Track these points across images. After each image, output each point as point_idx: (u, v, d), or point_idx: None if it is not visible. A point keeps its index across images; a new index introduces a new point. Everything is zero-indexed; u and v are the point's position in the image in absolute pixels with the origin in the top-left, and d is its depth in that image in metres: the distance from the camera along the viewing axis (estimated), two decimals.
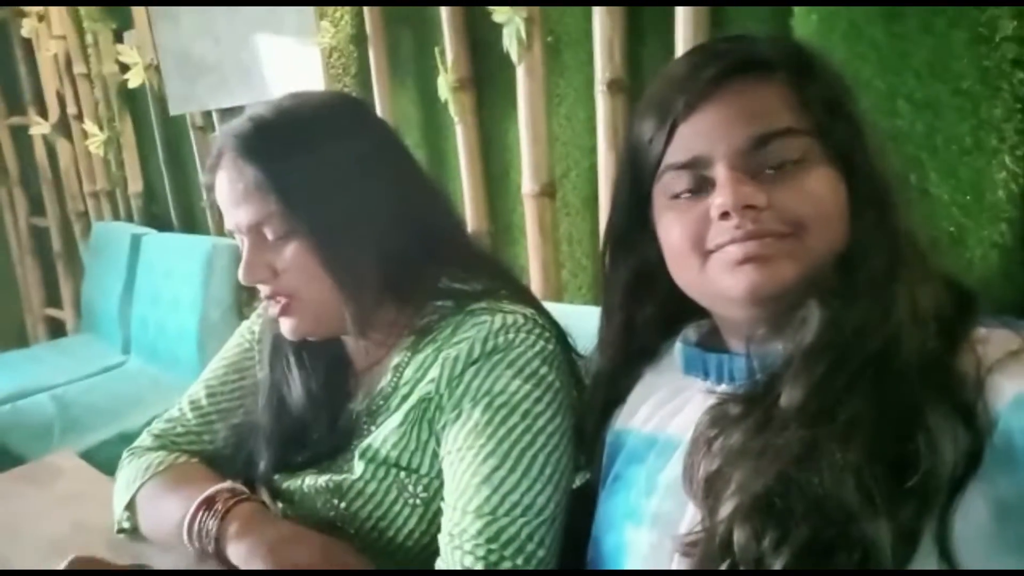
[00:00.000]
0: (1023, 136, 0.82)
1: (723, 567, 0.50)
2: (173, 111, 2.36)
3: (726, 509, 0.51)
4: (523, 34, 1.34)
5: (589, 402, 0.73)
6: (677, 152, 0.58)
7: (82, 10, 2.58)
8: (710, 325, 0.67)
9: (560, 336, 0.76)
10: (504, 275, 0.82)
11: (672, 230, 0.59)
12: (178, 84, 2.29)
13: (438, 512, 0.71)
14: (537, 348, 0.71)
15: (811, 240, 0.55)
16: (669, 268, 0.62)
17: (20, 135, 3.16)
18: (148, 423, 0.92)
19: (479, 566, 0.65)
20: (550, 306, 0.82)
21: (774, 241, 0.54)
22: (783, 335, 0.55)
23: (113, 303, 2.53)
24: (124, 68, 2.45)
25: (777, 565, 0.48)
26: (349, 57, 1.79)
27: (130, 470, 0.86)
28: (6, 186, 3.30)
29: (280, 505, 0.83)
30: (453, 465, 0.70)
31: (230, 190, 0.74)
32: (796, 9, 0.96)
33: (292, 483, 0.80)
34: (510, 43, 1.37)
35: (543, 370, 0.71)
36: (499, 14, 1.37)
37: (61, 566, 0.60)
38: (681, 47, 1.14)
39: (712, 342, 0.66)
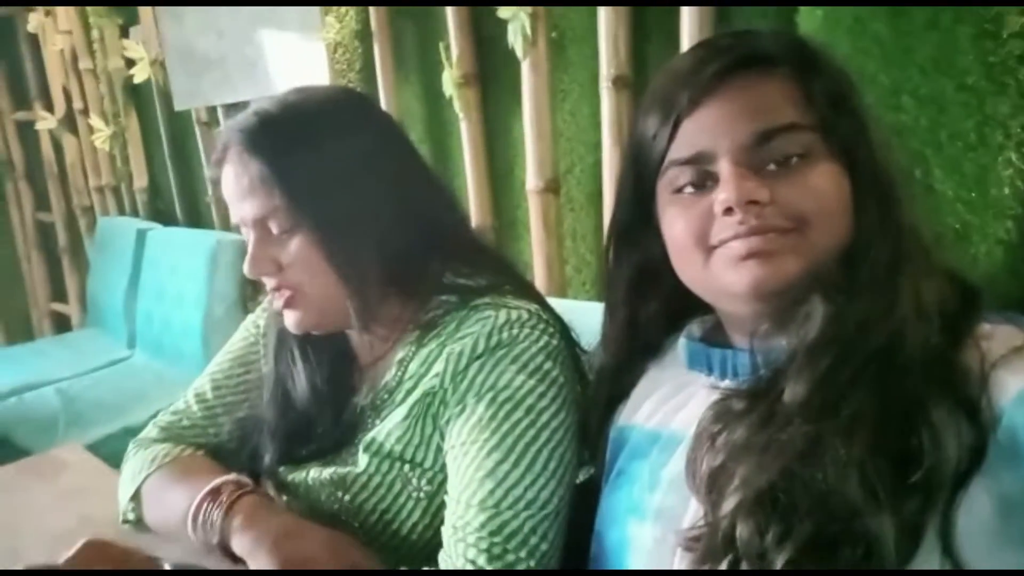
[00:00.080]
0: None
1: (726, 562, 0.51)
2: (178, 106, 2.36)
3: (729, 504, 0.51)
4: (528, 30, 1.34)
5: (593, 398, 0.73)
6: (681, 148, 0.58)
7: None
8: (714, 320, 0.67)
9: (564, 332, 0.76)
10: (508, 270, 0.82)
11: (676, 226, 0.59)
12: (183, 79, 2.30)
13: (442, 505, 0.72)
14: (541, 343, 0.72)
15: (814, 235, 0.55)
16: (673, 264, 0.62)
17: (26, 130, 3.18)
18: (153, 417, 0.92)
19: (482, 559, 0.65)
20: (554, 302, 0.82)
21: (777, 236, 0.54)
22: (787, 330, 0.55)
23: (118, 298, 2.54)
24: (130, 63, 2.46)
25: (780, 560, 0.48)
26: (354, 53, 1.79)
27: (135, 462, 0.86)
28: (12, 181, 3.31)
29: (284, 498, 0.83)
30: (457, 459, 0.70)
31: (235, 184, 0.74)
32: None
33: (296, 476, 0.81)
34: (515, 39, 1.37)
35: (547, 365, 0.71)
36: (504, 10, 1.37)
37: (72, 551, 0.60)
38: (686, 43, 1.14)
39: (716, 337, 0.66)
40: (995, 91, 0.83)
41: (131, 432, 0.93)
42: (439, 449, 0.74)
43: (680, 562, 0.56)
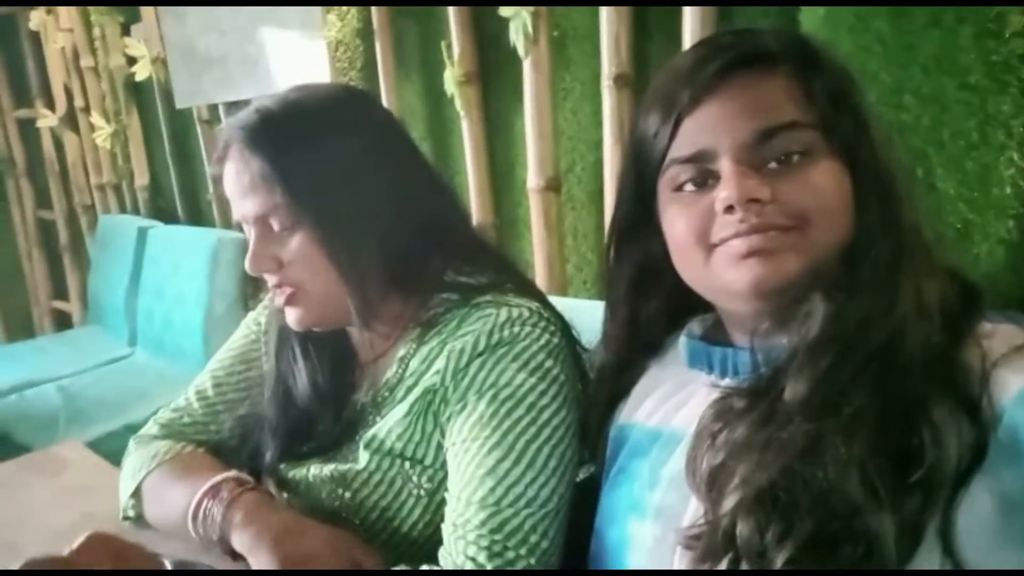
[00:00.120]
0: None
1: (725, 561, 0.51)
2: (179, 104, 2.36)
3: (729, 502, 0.51)
4: (529, 28, 1.34)
5: (593, 396, 0.73)
6: (682, 146, 0.58)
7: None
8: (714, 319, 0.67)
9: (565, 330, 0.76)
10: (509, 268, 0.82)
11: (676, 224, 0.59)
12: (185, 77, 2.30)
13: (442, 503, 0.72)
14: (542, 341, 0.72)
15: (815, 233, 0.54)
16: (674, 262, 0.62)
17: (27, 128, 3.18)
18: (153, 414, 0.92)
19: (482, 556, 0.65)
20: (555, 300, 0.82)
21: (778, 235, 0.54)
22: (787, 329, 0.55)
23: (119, 296, 2.54)
24: (131, 61, 2.46)
25: (780, 558, 0.48)
26: (355, 51, 1.79)
27: (136, 458, 0.86)
28: (13, 179, 3.31)
29: (285, 495, 0.83)
30: (458, 456, 0.70)
31: (237, 181, 0.74)
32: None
33: (297, 473, 0.81)
34: (516, 37, 1.37)
35: (548, 363, 0.71)
36: (505, 8, 1.37)
37: (76, 543, 0.60)
38: (688, 42, 1.14)
39: (716, 336, 0.66)
40: (997, 90, 0.83)
41: (132, 429, 0.93)
42: (440, 446, 0.74)
43: (680, 560, 0.56)
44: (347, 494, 0.77)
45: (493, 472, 0.67)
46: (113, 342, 2.55)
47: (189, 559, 0.74)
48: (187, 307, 2.22)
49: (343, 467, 0.77)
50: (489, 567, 0.64)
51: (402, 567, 0.66)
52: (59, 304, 3.33)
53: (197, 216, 2.56)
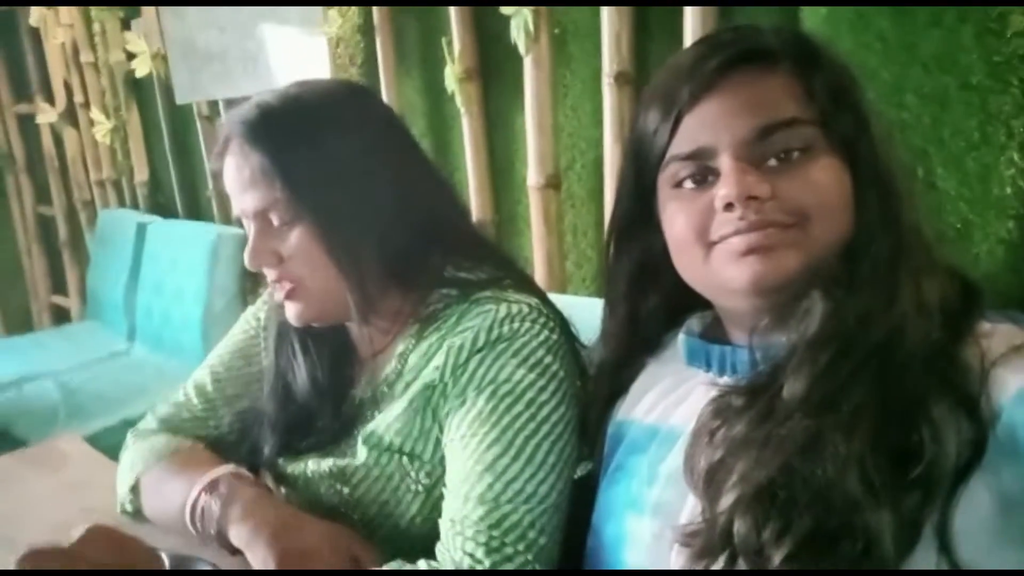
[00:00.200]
0: None
1: (723, 558, 0.51)
2: (179, 100, 2.36)
3: (727, 500, 0.51)
4: (530, 26, 1.34)
5: (592, 393, 0.73)
6: (682, 143, 0.58)
7: None
8: (713, 316, 0.67)
9: (564, 326, 0.76)
10: (509, 265, 0.82)
11: (676, 221, 0.59)
12: (185, 73, 2.29)
13: (440, 498, 0.71)
14: (542, 338, 0.72)
15: (815, 230, 0.55)
16: (673, 259, 0.62)
17: (27, 123, 3.17)
18: (152, 409, 0.92)
19: (480, 552, 0.65)
20: (554, 297, 0.82)
21: (777, 232, 0.54)
22: (786, 326, 0.55)
23: (118, 291, 2.54)
24: (131, 57, 2.45)
25: (778, 556, 0.48)
26: (356, 47, 1.79)
27: (134, 452, 0.86)
28: (12, 174, 3.31)
29: (284, 490, 0.83)
30: (456, 452, 0.70)
31: (236, 176, 0.74)
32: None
33: (296, 468, 0.81)
34: (517, 34, 1.36)
35: (547, 359, 0.71)
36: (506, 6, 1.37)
37: (77, 534, 0.60)
38: (689, 40, 1.14)
39: (715, 333, 0.66)
40: (998, 89, 0.83)
41: (130, 424, 0.93)
42: (438, 442, 0.74)
43: (677, 558, 0.56)
44: (345, 489, 0.77)
45: (492, 468, 0.67)
46: (112, 337, 2.55)
47: (187, 553, 0.74)
48: (186, 303, 2.22)
49: (341, 462, 0.77)
50: (487, 563, 0.64)
51: (399, 562, 0.66)
52: (58, 299, 3.33)
53: (196, 212, 2.56)
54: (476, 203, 1.58)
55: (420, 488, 0.74)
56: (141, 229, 2.49)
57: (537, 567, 0.66)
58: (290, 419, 0.82)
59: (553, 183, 1.43)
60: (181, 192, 2.56)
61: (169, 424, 0.89)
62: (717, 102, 0.56)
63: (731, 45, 0.57)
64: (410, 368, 0.76)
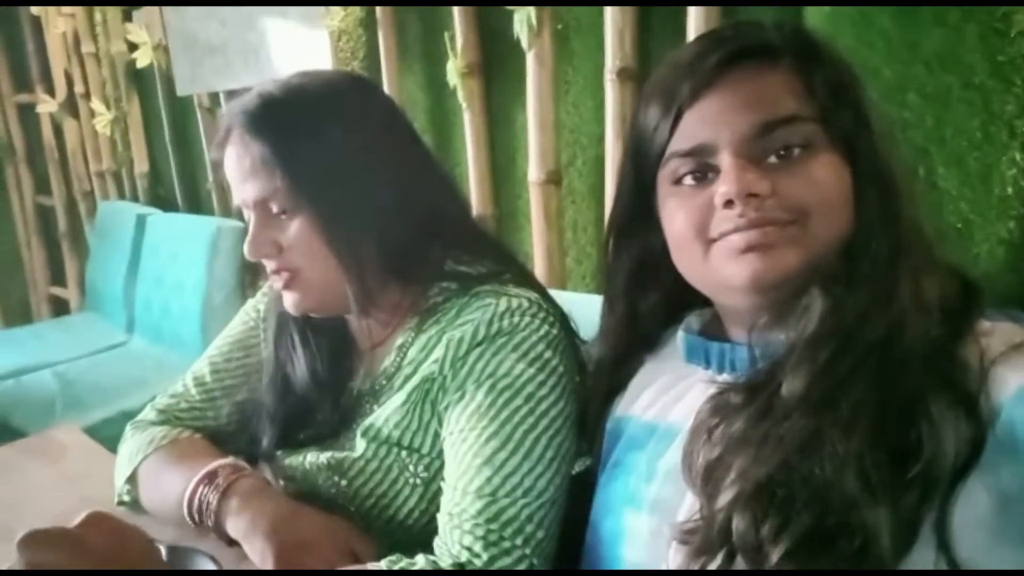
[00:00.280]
0: None
1: (721, 555, 0.51)
2: (180, 92, 2.36)
3: (725, 497, 0.51)
4: (533, 21, 1.34)
5: (591, 389, 0.73)
6: (682, 139, 0.57)
7: None
8: (712, 313, 0.67)
9: (563, 321, 0.76)
10: (509, 259, 0.82)
11: (676, 218, 0.59)
12: (186, 65, 2.29)
13: (438, 492, 0.72)
14: (541, 332, 0.72)
15: (815, 227, 0.54)
16: (672, 256, 0.62)
17: (27, 113, 3.16)
18: (151, 400, 0.92)
19: (478, 546, 0.65)
20: (554, 294, 0.82)
21: (777, 229, 0.54)
22: (786, 324, 0.55)
23: (117, 283, 2.54)
24: (132, 47, 2.45)
25: (776, 553, 0.48)
26: (358, 41, 1.78)
27: (133, 443, 0.86)
28: (12, 165, 3.30)
29: (282, 482, 0.83)
30: (455, 446, 0.70)
31: (237, 165, 0.74)
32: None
33: (294, 460, 0.81)
34: (520, 29, 1.36)
35: (547, 354, 0.71)
36: None
37: (78, 519, 0.60)
38: (692, 36, 1.13)
39: (714, 331, 0.66)
40: (1002, 89, 0.82)
41: (128, 416, 0.93)
42: (437, 435, 0.74)
43: (675, 554, 0.56)
44: (343, 482, 0.77)
45: (490, 462, 0.67)
46: (111, 329, 2.55)
47: (184, 545, 0.74)
48: (185, 295, 2.22)
49: (340, 455, 0.77)
50: (485, 557, 0.64)
51: (398, 556, 0.66)
52: (57, 291, 3.33)
53: (196, 204, 2.55)
54: (477, 198, 1.58)
55: (418, 481, 0.74)
56: (141, 221, 2.49)
57: (535, 562, 0.66)
58: (289, 411, 0.82)
59: (554, 179, 1.43)
60: (181, 184, 2.56)
61: (167, 415, 0.89)
62: (717, 98, 0.56)
63: (732, 41, 0.57)
64: (409, 361, 0.76)
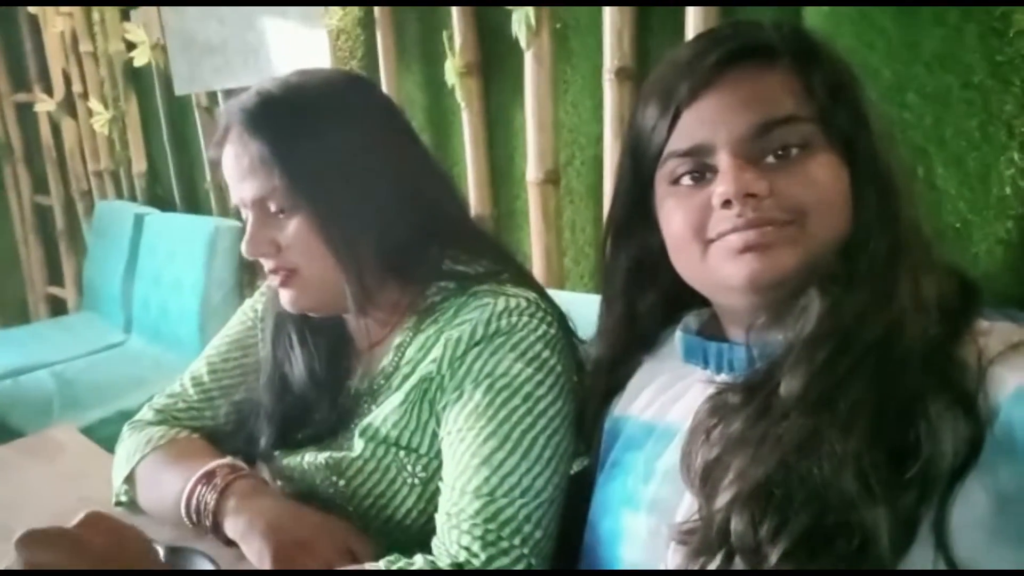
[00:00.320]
0: None
1: (719, 556, 0.51)
2: (179, 91, 2.35)
3: (724, 498, 0.51)
4: (532, 20, 1.34)
5: (589, 389, 0.73)
6: (679, 139, 0.57)
7: None
8: (710, 313, 0.67)
9: (562, 321, 0.76)
10: (507, 258, 0.82)
11: (673, 218, 0.59)
12: (184, 64, 2.28)
13: (436, 492, 0.71)
14: (540, 332, 0.71)
15: (813, 227, 0.54)
16: (670, 256, 0.62)
17: (25, 112, 3.16)
18: (148, 400, 0.92)
19: (476, 546, 0.65)
20: (552, 293, 0.82)
21: (775, 230, 0.54)
22: (784, 324, 0.55)
23: (115, 283, 2.54)
24: (130, 47, 2.44)
25: (775, 553, 0.48)
26: (356, 40, 1.78)
27: (130, 443, 0.86)
28: (10, 164, 3.30)
29: (279, 482, 0.83)
30: (453, 445, 0.70)
31: (235, 164, 0.74)
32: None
33: (292, 460, 0.81)
34: (519, 29, 1.36)
35: (545, 354, 0.71)
36: None
37: (76, 519, 0.60)
38: (690, 36, 1.13)
39: (712, 330, 0.66)
40: (1001, 89, 0.83)
41: (126, 416, 0.93)
42: (435, 435, 0.73)
43: (674, 555, 0.56)
44: (341, 482, 0.77)
45: (488, 461, 0.67)
46: (109, 329, 2.55)
47: (182, 545, 0.74)
48: (183, 295, 2.21)
49: (338, 455, 0.77)
50: (483, 557, 0.64)
51: (396, 556, 0.66)
52: (54, 290, 3.32)
53: (195, 204, 2.55)
54: (475, 198, 1.58)
55: (416, 481, 0.74)
56: (139, 220, 2.49)
57: (533, 562, 0.66)
58: (287, 411, 0.82)
59: (552, 179, 1.43)
60: (179, 184, 2.56)
61: (165, 415, 0.88)
62: (716, 98, 0.56)
63: (730, 40, 0.57)
64: (407, 360, 0.76)
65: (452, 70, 1.51)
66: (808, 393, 0.51)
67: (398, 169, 0.76)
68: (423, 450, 0.74)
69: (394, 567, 0.65)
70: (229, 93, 2.16)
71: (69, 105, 2.90)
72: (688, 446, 0.57)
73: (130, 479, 0.85)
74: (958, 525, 0.47)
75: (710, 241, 0.57)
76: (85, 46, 2.69)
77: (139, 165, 2.68)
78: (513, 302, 0.72)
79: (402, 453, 0.74)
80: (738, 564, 0.50)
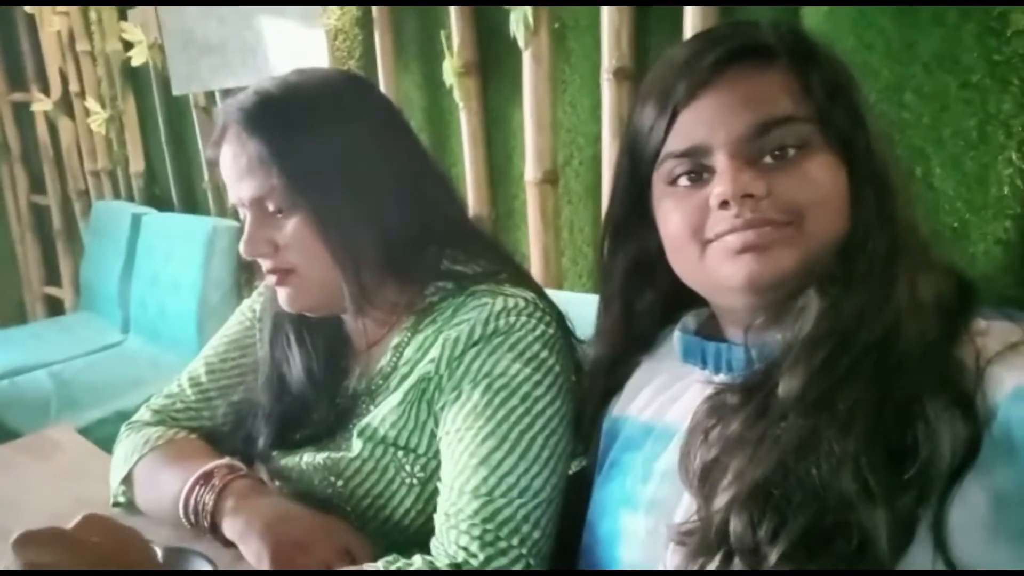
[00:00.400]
0: None
1: (718, 556, 0.51)
2: (176, 91, 2.35)
3: (722, 498, 0.51)
4: (530, 20, 1.33)
5: (587, 389, 0.73)
6: (677, 140, 0.57)
7: None
8: (709, 313, 0.67)
9: (560, 320, 0.76)
10: (505, 258, 0.82)
11: (671, 218, 0.59)
12: (182, 63, 2.28)
13: (435, 492, 0.71)
14: (538, 332, 0.71)
15: (810, 228, 0.54)
16: (668, 256, 0.62)
17: (22, 112, 3.15)
18: (146, 401, 0.92)
19: (475, 546, 0.65)
20: (550, 293, 0.82)
21: (773, 230, 0.54)
22: (782, 324, 0.55)
23: (112, 283, 2.53)
24: (128, 46, 2.44)
25: (773, 554, 0.48)
26: (354, 40, 1.78)
27: (128, 444, 0.86)
28: (7, 163, 3.29)
29: (277, 483, 0.83)
30: (451, 446, 0.70)
31: (234, 164, 0.73)
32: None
33: (290, 460, 0.81)
34: (517, 28, 1.36)
35: (543, 354, 0.71)
36: None
37: (74, 521, 0.60)
38: (689, 35, 1.13)
39: (711, 331, 0.66)
40: (999, 89, 0.83)
41: (124, 416, 0.93)
42: (433, 435, 0.73)
43: (672, 555, 0.56)
44: (339, 482, 0.77)
45: (486, 462, 0.67)
46: (106, 329, 2.54)
47: (180, 546, 0.74)
48: (181, 295, 2.21)
49: (336, 455, 0.77)
50: (481, 557, 0.64)
51: (395, 556, 0.66)
52: (51, 290, 3.31)
53: (192, 204, 2.55)
54: (473, 197, 1.58)
55: (414, 481, 0.74)
56: (136, 220, 2.48)
57: (531, 562, 0.66)
58: (285, 411, 0.82)
59: (550, 179, 1.43)
60: (177, 183, 2.55)
61: (163, 415, 0.88)
62: (713, 98, 0.56)
63: (727, 40, 0.57)
64: (405, 360, 0.76)
65: (450, 70, 1.51)
66: (807, 393, 0.51)
67: (396, 169, 0.76)
68: (421, 450, 0.74)
69: (392, 567, 0.64)
70: (227, 93, 2.16)
71: (66, 104, 2.89)
72: (686, 446, 0.57)
73: (128, 480, 0.85)
74: (957, 525, 0.47)
75: (708, 242, 0.57)
76: (82, 45, 2.69)
77: (136, 165, 2.68)
78: (511, 302, 0.72)
79: (400, 453, 0.74)
80: (737, 564, 0.50)
